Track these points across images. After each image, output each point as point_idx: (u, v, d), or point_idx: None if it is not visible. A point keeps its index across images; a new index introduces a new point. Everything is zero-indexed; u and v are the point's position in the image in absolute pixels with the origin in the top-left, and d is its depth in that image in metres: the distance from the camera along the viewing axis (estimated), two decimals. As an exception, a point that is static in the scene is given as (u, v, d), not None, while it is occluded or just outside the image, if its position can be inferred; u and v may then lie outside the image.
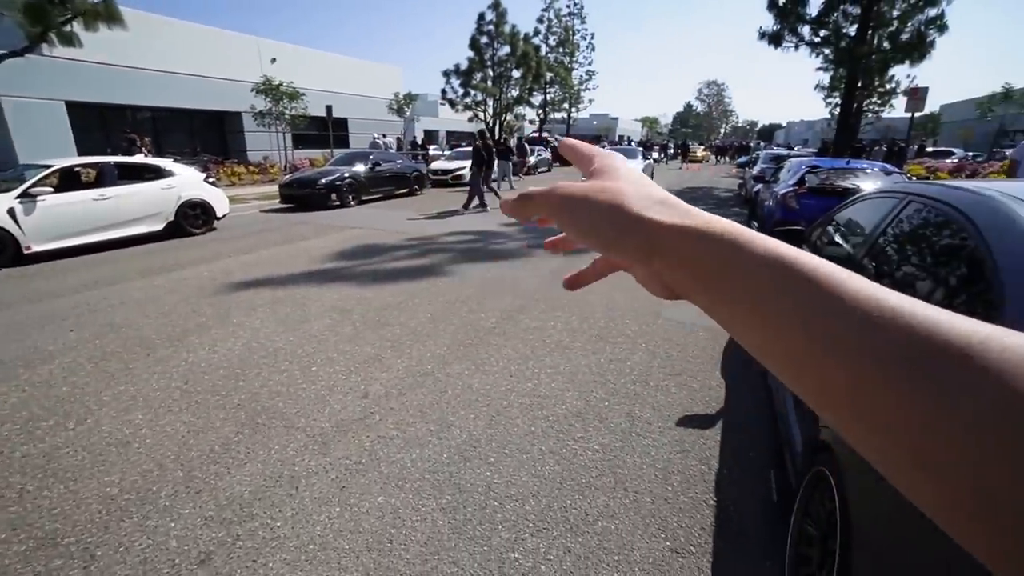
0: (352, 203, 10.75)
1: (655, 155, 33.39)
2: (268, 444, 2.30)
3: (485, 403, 2.70)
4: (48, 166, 6.34)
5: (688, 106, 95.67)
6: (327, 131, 19.69)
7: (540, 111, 35.57)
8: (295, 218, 9.08)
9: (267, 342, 3.49)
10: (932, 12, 13.29)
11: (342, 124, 24.28)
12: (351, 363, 3.16)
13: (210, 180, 8.14)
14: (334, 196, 10.54)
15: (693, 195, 14.56)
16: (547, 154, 22.35)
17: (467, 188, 15.26)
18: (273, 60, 19.59)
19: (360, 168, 11.43)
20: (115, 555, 1.64)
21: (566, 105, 40.35)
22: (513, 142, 20.97)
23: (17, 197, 5.77)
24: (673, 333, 3.70)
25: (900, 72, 23.14)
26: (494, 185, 16.46)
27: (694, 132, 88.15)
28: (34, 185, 5.95)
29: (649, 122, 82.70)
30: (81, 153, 14.02)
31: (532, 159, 20.40)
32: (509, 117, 27.04)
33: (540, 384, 2.92)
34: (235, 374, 3.02)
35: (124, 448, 2.26)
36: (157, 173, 7.40)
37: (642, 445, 2.31)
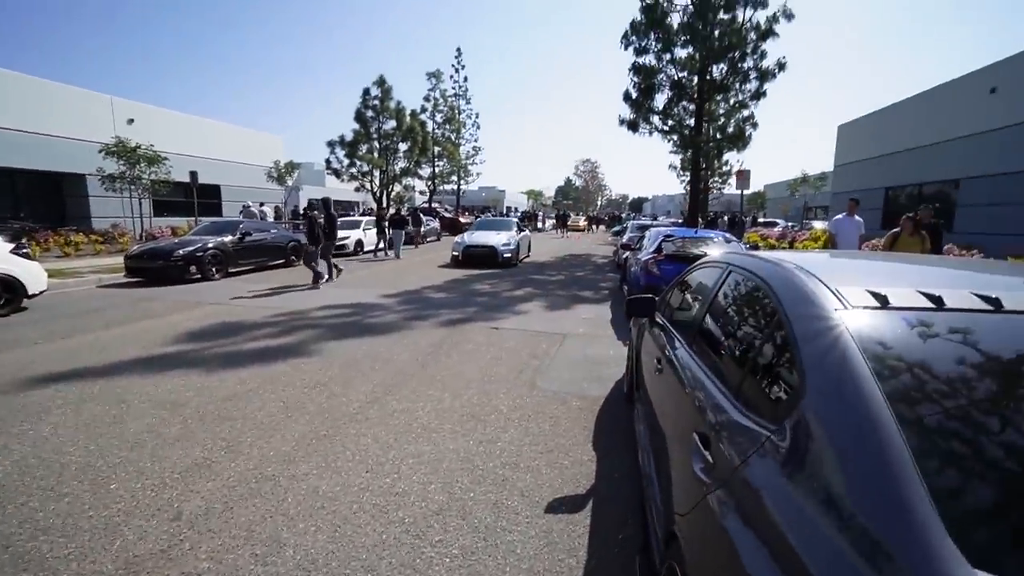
0: (216, 276, 9.75)
1: (538, 224, 35.89)
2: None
3: (331, 510, 2.37)
4: None
5: (568, 180, 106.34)
6: (190, 198, 18.04)
7: (429, 182, 36.69)
8: (142, 294, 7.91)
9: (53, 456, 2.78)
10: (745, 112, 17.05)
11: (213, 191, 22.57)
12: (168, 473, 2.61)
13: (22, 251, 6.81)
14: (193, 269, 9.51)
15: (574, 261, 15.67)
16: (435, 224, 22.78)
17: (352, 257, 15.10)
18: (130, 121, 17.88)
19: (227, 238, 10.49)
20: None
21: (455, 177, 42.26)
22: (405, 212, 21.04)
23: None
24: (547, 405, 3.70)
25: (732, 157, 28.37)
26: (376, 254, 16.27)
27: (574, 204, 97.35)
28: None
29: (534, 194, 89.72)
30: None
31: (423, 228, 20.62)
32: (398, 188, 27.41)
33: (399, 478, 2.68)
34: (-14, 510, 2.30)
35: None
36: None
37: (507, 542, 2.16)
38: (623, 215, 47.03)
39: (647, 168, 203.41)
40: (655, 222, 20.17)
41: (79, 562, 1.96)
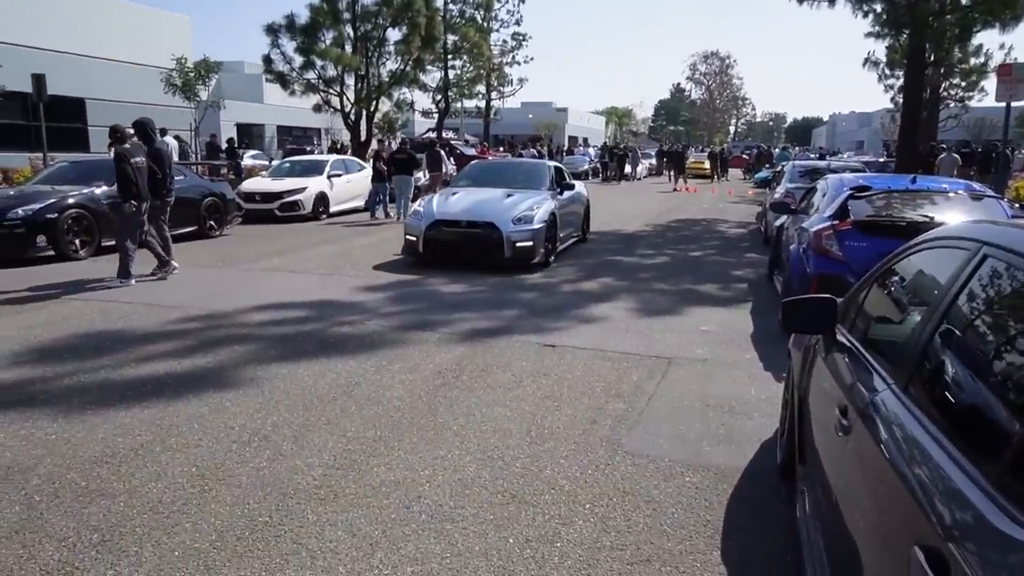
0: (80, 253, 10.21)
1: (626, 168, 35.60)
2: None
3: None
4: None
5: (679, 90, 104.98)
6: (36, 120, 18.69)
7: (438, 97, 37.08)
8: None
9: None
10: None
11: (74, 109, 23.51)
12: (3, 587, 2.66)
13: None
14: (42, 240, 9.90)
15: (686, 231, 15.43)
16: (451, 167, 22.87)
17: (317, 222, 15.28)
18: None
19: (99, 189, 10.86)
20: None
21: (482, 88, 42.77)
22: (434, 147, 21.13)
23: None
24: (640, 480, 3.66)
25: (989, 40, 26.27)
26: (380, 211, 16.38)
27: (689, 130, 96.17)
28: None
29: (617, 115, 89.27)
30: None
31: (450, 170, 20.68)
32: (385, 107, 27.84)
33: (393, 604, 2.62)
34: None
35: None
36: None
37: None
38: (774, 149, 45.87)
39: (819, 72, 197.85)
40: (835, 162, 19.46)
41: None
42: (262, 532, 3.09)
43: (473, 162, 15.28)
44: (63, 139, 21.48)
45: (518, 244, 9.44)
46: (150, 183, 8.71)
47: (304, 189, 15.75)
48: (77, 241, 10.25)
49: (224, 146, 23.51)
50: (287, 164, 18.36)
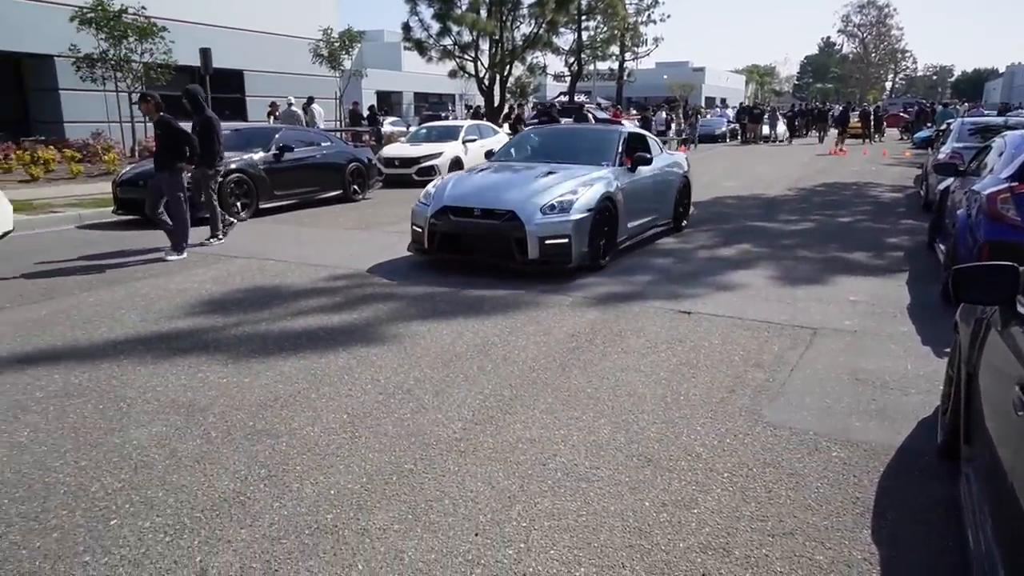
0: (241, 215, 10.94)
1: (763, 129, 33.91)
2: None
3: (424, 592, 2.50)
4: None
5: (828, 44, 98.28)
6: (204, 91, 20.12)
7: (571, 61, 36.72)
8: (137, 239, 9.17)
9: (36, 472, 3.33)
10: None
11: (234, 81, 25.15)
12: (186, 511, 3.00)
13: None
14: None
15: (833, 195, 14.59)
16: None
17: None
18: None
19: (257, 155, 11.65)
20: None
21: (615, 49, 41.92)
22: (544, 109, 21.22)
23: None
24: (782, 451, 3.57)
25: None
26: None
27: (837, 87, 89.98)
28: None
29: (759, 74, 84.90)
30: None
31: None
32: (518, 70, 27.90)
33: (528, 551, 2.72)
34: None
35: None
36: None
37: None
38: (936, 106, 42.04)
39: (995, 17, 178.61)
40: (1014, 117, 17.61)
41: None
42: (408, 478, 3.28)
43: (527, 129, 12.55)
44: (224, 108, 23.04)
45: (548, 241, 6.94)
46: (199, 152, 8.57)
47: (440, 154, 16.15)
48: (238, 204, 11.05)
49: (366, 113, 24.40)
50: (424, 130, 18.82)
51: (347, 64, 26.19)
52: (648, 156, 8.63)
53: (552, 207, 7.06)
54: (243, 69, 25.12)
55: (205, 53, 17.99)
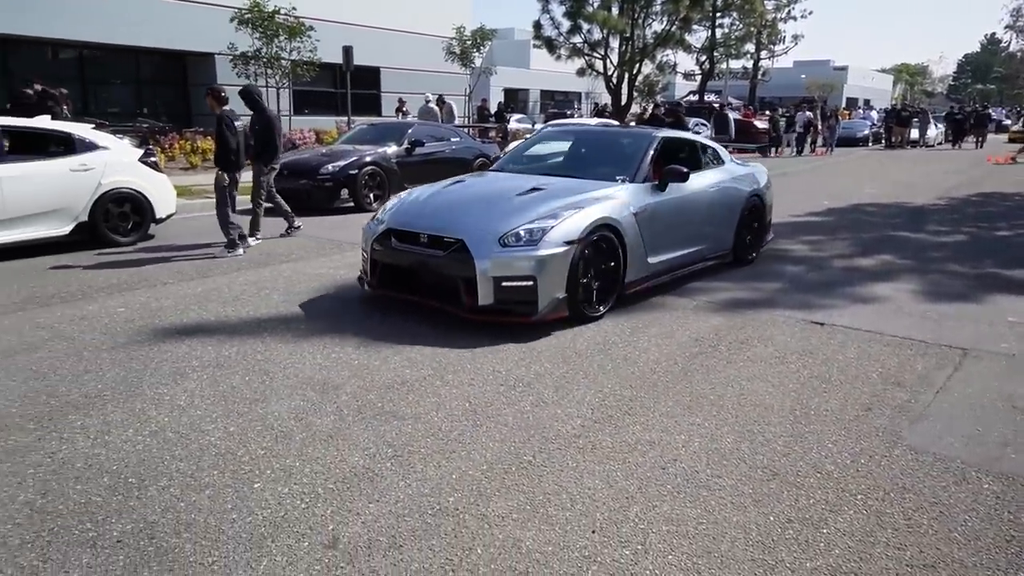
0: (374, 205, 11.43)
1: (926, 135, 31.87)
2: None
3: (542, 581, 2.56)
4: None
5: (992, 41, 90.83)
6: (343, 87, 21.21)
7: (702, 59, 35.88)
8: (280, 224, 9.76)
9: (192, 433, 3.66)
10: None
11: (371, 77, 26.27)
12: (320, 481, 3.20)
13: (151, 160, 9.03)
14: (345, 192, 11.34)
15: (986, 208, 13.56)
16: (708, 130, 22.20)
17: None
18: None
19: (391, 149, 12.14)
20: None
21: (750, 47, 40.61)
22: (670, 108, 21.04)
23: None
24: (922, 478, 3.38)
25: None
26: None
27: (1001, 87, 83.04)
28: None
29: (908, 73, 79.75)
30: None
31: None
32: (647, 68, 27.59)
33: (646, 553, 2.73)
34: (128, 485, 3.16)
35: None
36: (66, 146, 8.20)
37: None
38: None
39: None
40: None
41: (223, 576, 2.57)
42: (527, 470, 3.35)
43: (541, 130, 10.26)
44: (361, 104, 24.26)
45: (505, 283, 5.26)
46: (257, 149, 8.63)
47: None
48: (371, 195, 11.63)
49: (494, 110, 24.83)
50: (547, 129, 18.90)
51: (477, 62, 26.75)
52: (683, 171, 6.40)
53: (517, 237, 5.32)
54: (380, 66, 26.21)
55: (347, 51, 18.93)
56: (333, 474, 3.27)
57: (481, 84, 28.97)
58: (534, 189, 6.14)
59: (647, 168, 6.56)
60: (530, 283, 5.23)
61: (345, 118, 20.23)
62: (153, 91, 22.93)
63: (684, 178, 6.46)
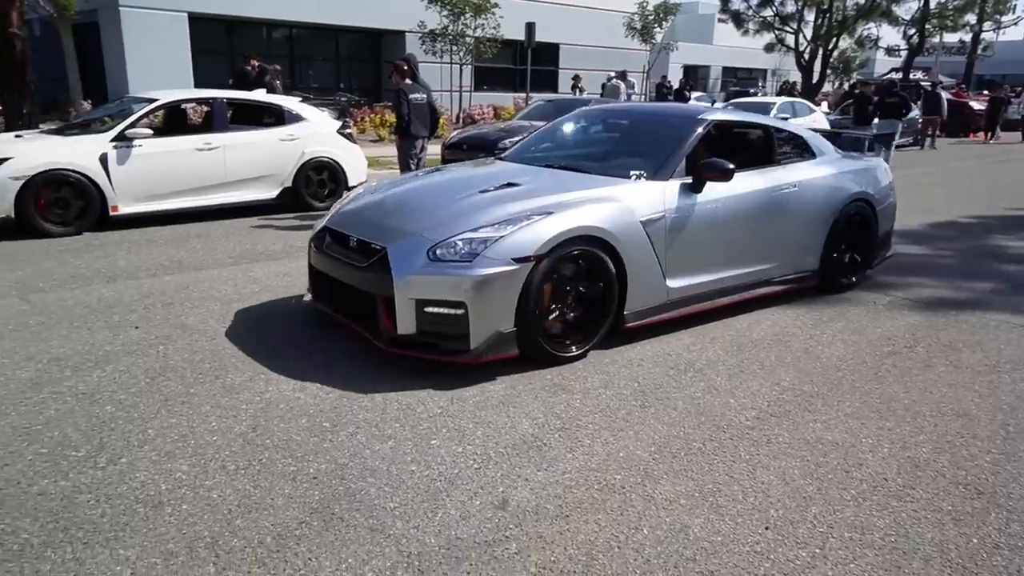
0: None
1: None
2: (340, 551, 2.52)
3: (705, 569, 2.51)
4: (152, 100, 8.39)
5: None
6: (522, 64, 21.58)
7: (911, 32, 32.88)
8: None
9: (378, 385, 3.95)
10: None
11: (549, 54, 26.47)
12: (492, 446, 3.32)
13: (347, 132, 9.78)
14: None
15: None
16: (916, 111, 20.41)
17: None
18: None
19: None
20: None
21: (970, 18, 36.66)
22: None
23: (112, 140, 7.72)
24: None
25: None
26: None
27: None
28: (133, 125, 7.88)
29: None
30: (200, 84, 18.10)
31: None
32: (845, 43, 25.75)
33: (824, 559, 2.61)
34: (323, 428, 3.46)
35: (154, 511, 2.74)
36: (277, 117, 9.13)
37: None
38: None
39: None
40: None
41: (404, 522, 2.72)
42: (696, 457, 3.30)
43: (583, 108, 7.13)
44: (538, 80, 24.64)
45: (429, 308, 4.04)
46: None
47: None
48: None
49: (675, 87, 24.26)
50: (731, 107, 18.31)
51: (658, 38, 26.20)
52: (724, 166, 4.82)
53: (453, 248, 4.06)
54: (559, 43, 26.42)
55: (530, 27, 19.23)
56: (503, 439, 3.39)
57: (660, 60, 28.38)
58: (508, 185, 4.84)
59: (679, 161, 5.00)
60: (459, 311, 3.97)
61: (522, 94, 20.65)
62: (350, 67, 24.75)
63: (726, 175, 4.86)
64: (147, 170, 7.87)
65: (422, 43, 20.02)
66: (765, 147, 5.84)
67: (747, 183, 5.22)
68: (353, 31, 23.24)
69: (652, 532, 2.71)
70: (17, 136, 8.33)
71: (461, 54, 19.97)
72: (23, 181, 7.10)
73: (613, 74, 20.21)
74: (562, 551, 2.59)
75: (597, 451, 3.31)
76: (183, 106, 9.27)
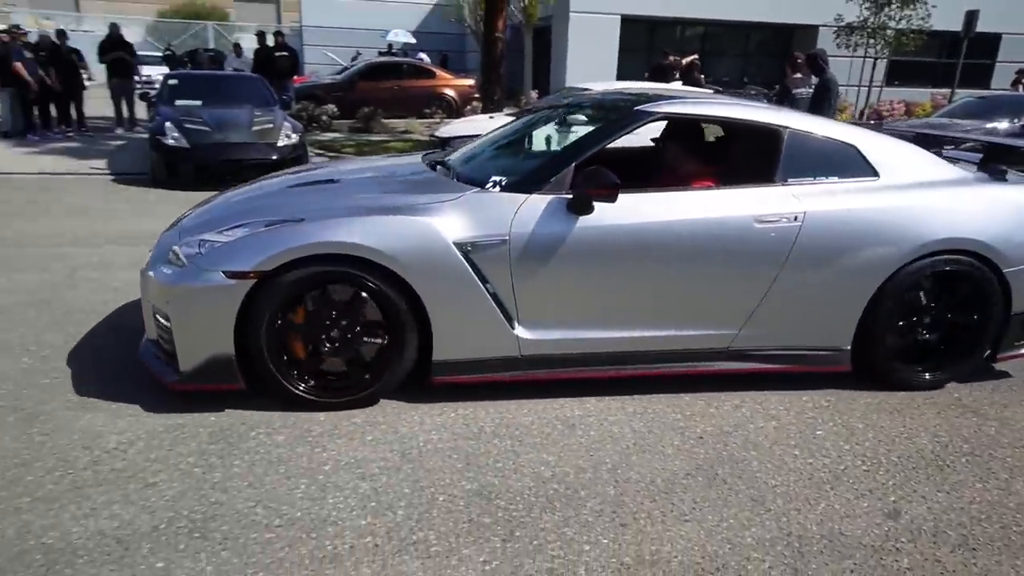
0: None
1: None
2: (722, 510, 2.64)
3: None
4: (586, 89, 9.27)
5: None
6: (950, 57, 18.87)
7: None
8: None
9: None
10: None
11: (986, 46, 22.86)
12: (884, 450, 3.16)
13: None
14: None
15: None
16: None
17: None
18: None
19: (1003, 125, 10.60)
20: None
21: None
22: None
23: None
24: None
25: None
26: None
27: None
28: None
29: None
30: (620, 78, 19.51)
31: None
32: None
33: None
34: (713, 395, 3.62)
35: (569, 430, 3.14)
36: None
37: None
38: None
39: None
40: None
41: (784, 501, 2.73)
42: None
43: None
44: (966, 75, 21.58)
45: (157, 316, 3.40)
46: (810, 111, 8.00)
47: None
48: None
49: None
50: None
51: None
52: (609, 180, 3.24)
53: (189, 247, 3.36)
54: (1001, 32, 23.00)
55: (971, 16, 16.76)
56: (897, 448, 3.21)
57: None
58: (328, 181, 4.10)
59: (561, 169, 3.47)
60: (168, 323, 3.27)
61: (943, 90, 18.27)
62: (758, 62, 24.62)
63: (608, 195, 3.28)
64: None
65: (836, 36, 18.82)
66: (758, 157, 3.77)
67: (691, 206, 3.51)
68: (765, 26, 23.02)
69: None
70: (490, 117, 9.76)
71: (878, 47, 18.31)
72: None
73: None
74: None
75: (1018, 490, 2.92)
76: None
